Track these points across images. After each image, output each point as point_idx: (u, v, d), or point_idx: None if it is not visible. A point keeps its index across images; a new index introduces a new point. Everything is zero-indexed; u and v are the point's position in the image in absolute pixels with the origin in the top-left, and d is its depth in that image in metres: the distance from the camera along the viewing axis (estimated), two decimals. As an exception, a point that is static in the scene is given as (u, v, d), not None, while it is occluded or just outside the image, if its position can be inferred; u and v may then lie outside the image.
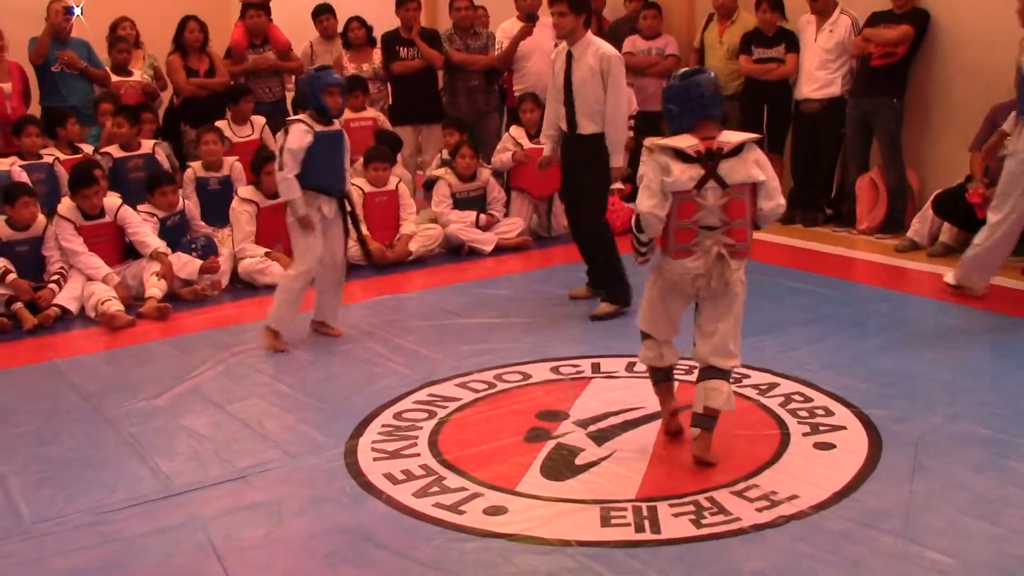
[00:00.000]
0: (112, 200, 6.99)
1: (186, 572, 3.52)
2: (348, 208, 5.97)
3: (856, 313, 6.12)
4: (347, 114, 8.70)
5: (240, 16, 9.26)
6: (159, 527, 3.80)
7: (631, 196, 5.50)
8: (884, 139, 7.98)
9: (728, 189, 3.94)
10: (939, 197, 7.33)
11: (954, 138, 6.66)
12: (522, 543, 3.58)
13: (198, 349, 5.90)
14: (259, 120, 8.63)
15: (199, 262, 7.07)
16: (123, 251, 7.06)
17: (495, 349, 5.65)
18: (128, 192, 7.31)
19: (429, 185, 8.39)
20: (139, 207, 7.19)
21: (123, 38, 8.93)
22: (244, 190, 7.55)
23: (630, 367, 5.20)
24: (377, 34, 9.27)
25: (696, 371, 4.22)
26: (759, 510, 3.72)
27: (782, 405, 4.69)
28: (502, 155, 8.57)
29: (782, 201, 4.11)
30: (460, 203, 8.22)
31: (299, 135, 5.65)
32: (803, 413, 4.59)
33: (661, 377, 4.40)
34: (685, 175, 3.93)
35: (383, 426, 4.66)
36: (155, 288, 6.69)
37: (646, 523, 3.67)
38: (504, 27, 9.00)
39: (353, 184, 7.93)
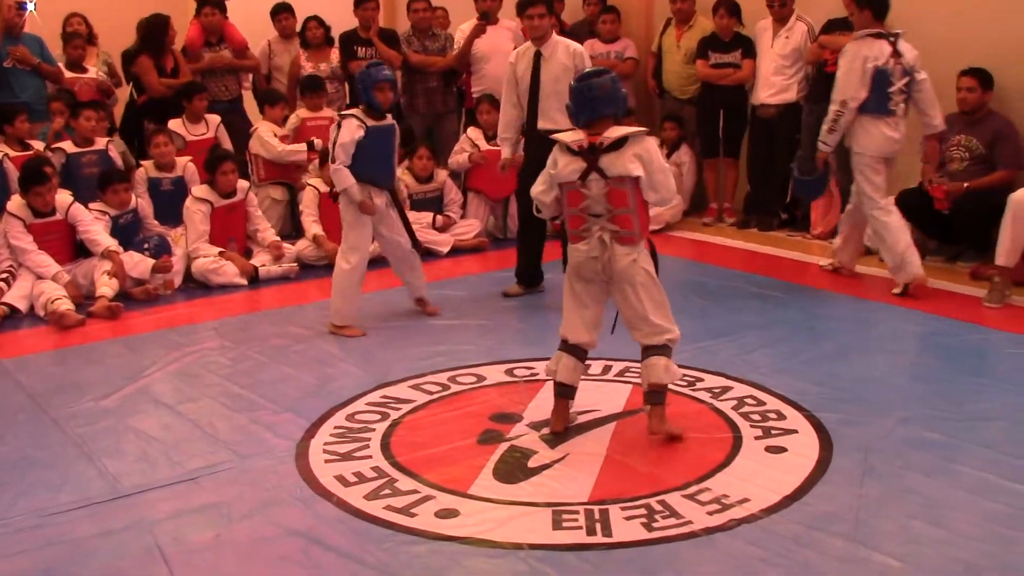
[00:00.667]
0: (63, 197, 6.89)
1: (132, 575, 3.47)
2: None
3: (810, 317, 6.18)
4: (304, 113, 8.68)
5: (196, 14, 9.18)
6: (105, 529, 3.74)
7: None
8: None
9: (609, 180, 4.22)
10: (902, 195, 7.39)
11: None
12: (474, 546, 3.57)
13: (149, 349, 5.83)
14: (214, 119, 8.55)
15: (151, 261, 7.00)
16: (74, 249, 6.96)
17: (450, 351, 5.63)
18: (80, 189, 7.21)
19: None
20: (91, 205, 7.10)
21: (77, 34, 8.82)
22: (198, 189, 7.49)
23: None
24: (335, 33, 9.24)
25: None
26: (710, 513, 3.73)
27: (735, 408, 4.71)
28: (459, 156, 8.57)
29: (669, 196, 4.38)
30: (417, 204, 8.19)
31: (351, 130, 5.82)
32: (755, 416, 4.61)
33: (559, 391, 4.51)
34: (568, 168, 4.31)
35: (335, 428, 4.63)
36: (106, 287, 6.61)
37: (598, 526, 3.66)
38: (463, 28, 8.98)
39: (309, 184, 7.91)
